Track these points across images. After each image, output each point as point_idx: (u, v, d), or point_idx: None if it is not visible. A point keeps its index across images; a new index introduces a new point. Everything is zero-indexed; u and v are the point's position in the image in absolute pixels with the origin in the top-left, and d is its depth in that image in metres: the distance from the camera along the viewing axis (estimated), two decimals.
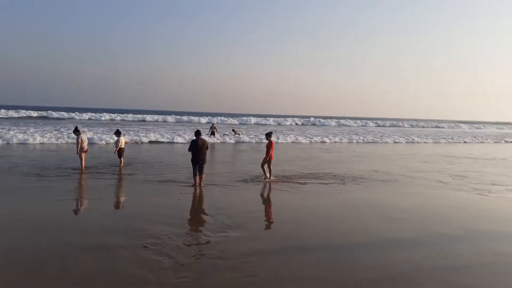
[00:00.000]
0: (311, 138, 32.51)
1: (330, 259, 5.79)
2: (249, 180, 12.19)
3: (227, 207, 8.77)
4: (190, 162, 10.90)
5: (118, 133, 14.30)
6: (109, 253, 5.73)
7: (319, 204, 9.52)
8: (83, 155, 13.18)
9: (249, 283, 4.87)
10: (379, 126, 74.09)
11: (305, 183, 11.93)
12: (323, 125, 66.31)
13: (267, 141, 12.40)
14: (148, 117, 58.44)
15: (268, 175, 12.31)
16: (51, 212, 8.02)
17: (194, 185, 10.79)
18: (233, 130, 32.57)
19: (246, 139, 28.74)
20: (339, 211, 8.84)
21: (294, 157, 19.38)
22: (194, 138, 10.99)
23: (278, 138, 29.44)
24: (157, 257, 5.55)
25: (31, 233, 6.62)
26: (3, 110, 51.06)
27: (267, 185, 11.64)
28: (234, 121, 59.16)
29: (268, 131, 13.20)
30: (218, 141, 27.10)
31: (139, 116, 59.20)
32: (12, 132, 24.01)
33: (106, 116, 56.14)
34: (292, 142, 29.53)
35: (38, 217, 7.61)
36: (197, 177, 10.81)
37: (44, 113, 54.09)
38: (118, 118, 56.32)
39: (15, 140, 20.95)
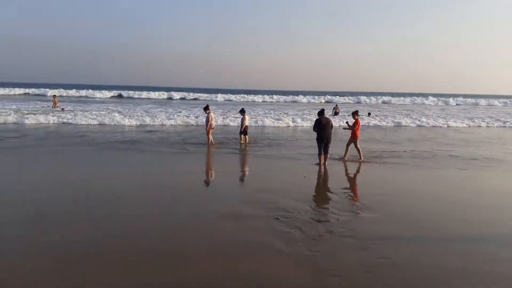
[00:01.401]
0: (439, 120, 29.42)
1: (470, 250, 5.31)
2: (372, 160, 11.75)
3: (353, 187, 8.69)
4: (315, 141, 11.02)
5: (242, 112, 15.26)
6: (244, 222, 6.23)
7: (454, 190, 8.69)
8: (210, 131, 14.47)
9: (382, 264, 4.79)
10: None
11: (440, 168, 10.97)
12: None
13: (354, 120, 11.93)
14: (258, 98, 57.38)
15: (349, 155, 11.98)
16: (190, 182, 9.03)
17: (319, 164, 10.89)
18: (369, 113, 30.99)
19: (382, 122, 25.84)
20: (476, 198, 7.92)
21: (417, 137, 17.88)
22: (317, 117, 11.06)
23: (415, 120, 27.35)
24: (288, 229, 5.84)
25: (176, 200, 7.56)
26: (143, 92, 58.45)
27: (392, 166, 11.05)
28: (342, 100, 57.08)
29: (354, 110, 12.64)
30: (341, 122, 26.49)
31: (250, 97, 58.57)
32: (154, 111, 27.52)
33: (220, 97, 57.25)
34: (409, 123, 27.11)
35: (181, 186, 8.65)
36: (322, 156, 10.88)
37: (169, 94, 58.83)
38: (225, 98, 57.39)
39: (156, 121, 23.96)
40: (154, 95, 57.23)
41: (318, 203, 7.51)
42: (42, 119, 21.13)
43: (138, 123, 21.67)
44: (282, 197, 7.59)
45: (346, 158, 11.84)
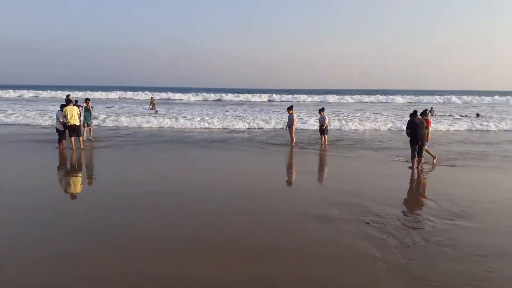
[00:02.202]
0: None
1: None
2: (470, 164, 10.76)
3: (451, 193, 8.08)
4: (409, 143, 10.47)
5: (322, 111, 15.07)
6: (332, 224, 6.17)
7: None
8: (294, 131, 14.57)
9: (488, 278, 4.42)
10: None
11: None
12: None
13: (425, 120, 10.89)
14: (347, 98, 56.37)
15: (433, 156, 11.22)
16: (274, 181, 9.23)
17: (412, 167, 10.33)
18: (477, 114, 28.39)
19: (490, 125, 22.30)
20: None
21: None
22: (410, 118, 10.50)
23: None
24: (380, 235, 5.67)
25: (261, 198, 7.76)
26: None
27: (495, 171, 10.00)
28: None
29: (423, 110, 11.45)
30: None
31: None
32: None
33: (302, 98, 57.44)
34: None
35: (266, 184, 8.84)
36: (415, 159, 10.30)
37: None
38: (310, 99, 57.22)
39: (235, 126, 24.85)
40: (235, 97, 58.86)
41: (412, 209, 7.15)
42: (142, 120, 23.29)
43: (226, 124, 22.68)
44: (372, 201, 7.37)
45: (435, 162, 11.07)
